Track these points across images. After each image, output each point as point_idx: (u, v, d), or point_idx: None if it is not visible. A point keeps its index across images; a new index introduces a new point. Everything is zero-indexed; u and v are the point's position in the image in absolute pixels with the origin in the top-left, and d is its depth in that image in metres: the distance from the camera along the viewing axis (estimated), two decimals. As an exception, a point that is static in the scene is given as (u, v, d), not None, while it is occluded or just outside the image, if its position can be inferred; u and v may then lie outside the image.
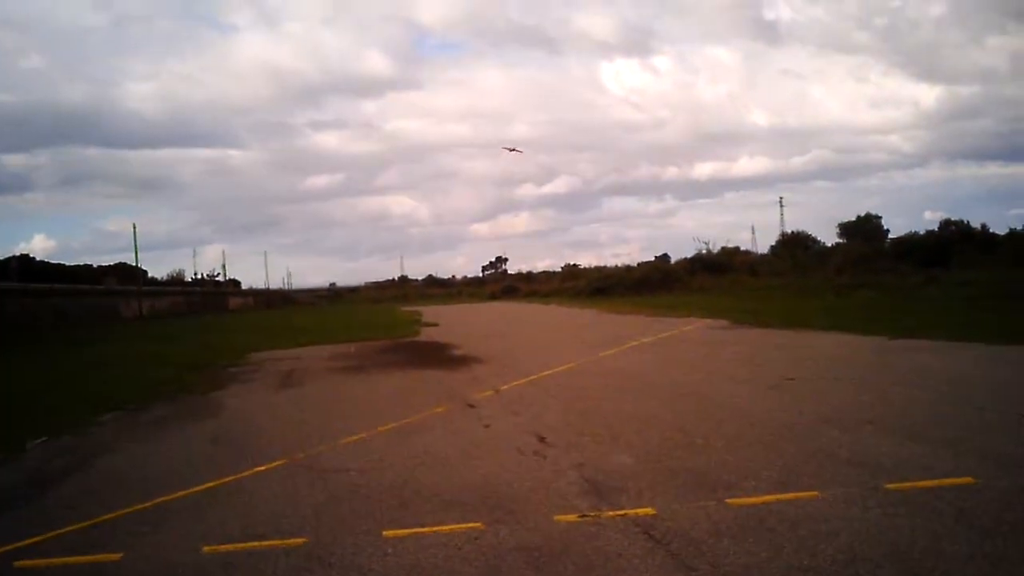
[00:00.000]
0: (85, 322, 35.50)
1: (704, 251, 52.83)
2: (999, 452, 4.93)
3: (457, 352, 14.48)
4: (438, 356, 13.97)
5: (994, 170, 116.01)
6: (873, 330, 13.60)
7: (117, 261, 65.75)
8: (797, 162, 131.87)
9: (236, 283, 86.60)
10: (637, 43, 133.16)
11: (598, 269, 67.26)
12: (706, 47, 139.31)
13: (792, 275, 39.84)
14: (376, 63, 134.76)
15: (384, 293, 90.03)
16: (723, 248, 53.74)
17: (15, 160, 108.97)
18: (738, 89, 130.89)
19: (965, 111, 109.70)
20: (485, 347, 15.16)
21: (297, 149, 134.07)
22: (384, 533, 3.95)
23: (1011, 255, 33.38)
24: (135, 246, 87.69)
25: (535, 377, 9.85)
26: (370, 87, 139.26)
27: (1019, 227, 43.53)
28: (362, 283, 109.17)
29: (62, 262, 59.72)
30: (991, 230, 44.68)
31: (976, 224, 45.55)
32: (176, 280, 73.70)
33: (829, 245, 51.63)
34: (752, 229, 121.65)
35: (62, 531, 4.31)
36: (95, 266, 63.35)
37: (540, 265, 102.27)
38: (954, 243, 41.16)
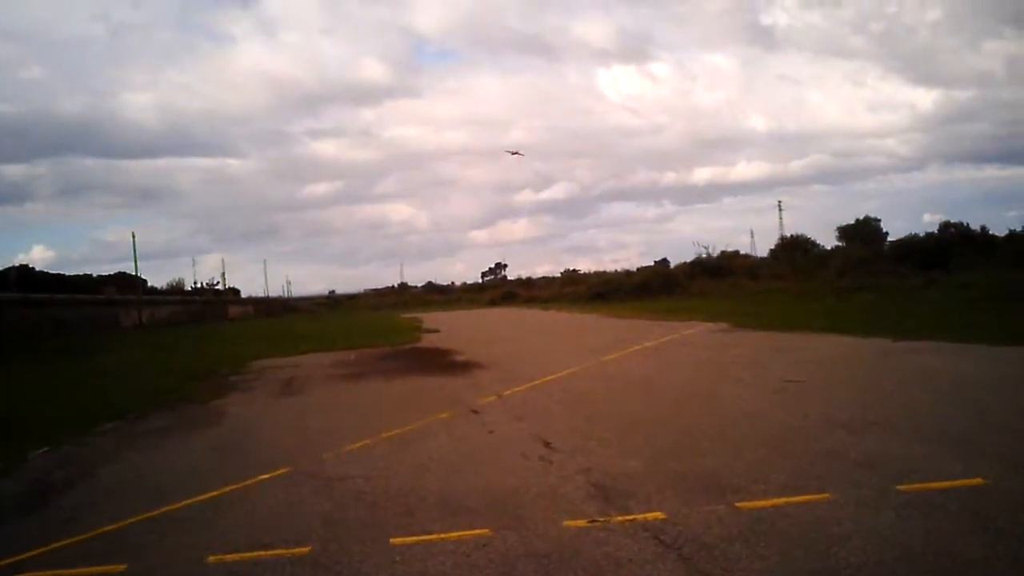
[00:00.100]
0: (85, 332, 35.37)
1: (704, 255, 52.83)
2: (1008, 452, 4.89)
3: (459, 358, 14.44)
4: (440, 362, 13.93)
5: (991, 173, 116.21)
6: (875, 332, 13.56)
7: (116, 271, 65.73)
8: (795, 166, 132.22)
9: (236, 291, 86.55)
10: (634, 50, 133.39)
11: (598, 274, 67.36)
12: (703, 53, 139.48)
13: (792, 278, 39.80)
14: (374, 71, 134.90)
15: (384, 300, 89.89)
16: (723, 252, 53.72)
17: (14, 171, 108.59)
18: (735, 95, 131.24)
19: (962, 115, 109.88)
20: (486, 352, 15.12)
21: (295, 157, 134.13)
22: (391, 541, 3.91)
23: (1011, 256, 33.37)
24: (134, 255, 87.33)
25: (538, 382, 9.81)
26: (368, 95, 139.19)
27: (1018, 228, 43.42)
28: (361, 290, 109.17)
29: (61, 272, 59.73)
30: (990, 232, 44.76)
31: (975, 226, 45.60)
32: (176, 289, 73.53)
33: (828, 248, 51.65)
34: (751, 233, 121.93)
35: (65, 542, 4.26)
36: (94, 276, 63.26)
37: (539, 271, 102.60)
38: (953, 245, 41.13)
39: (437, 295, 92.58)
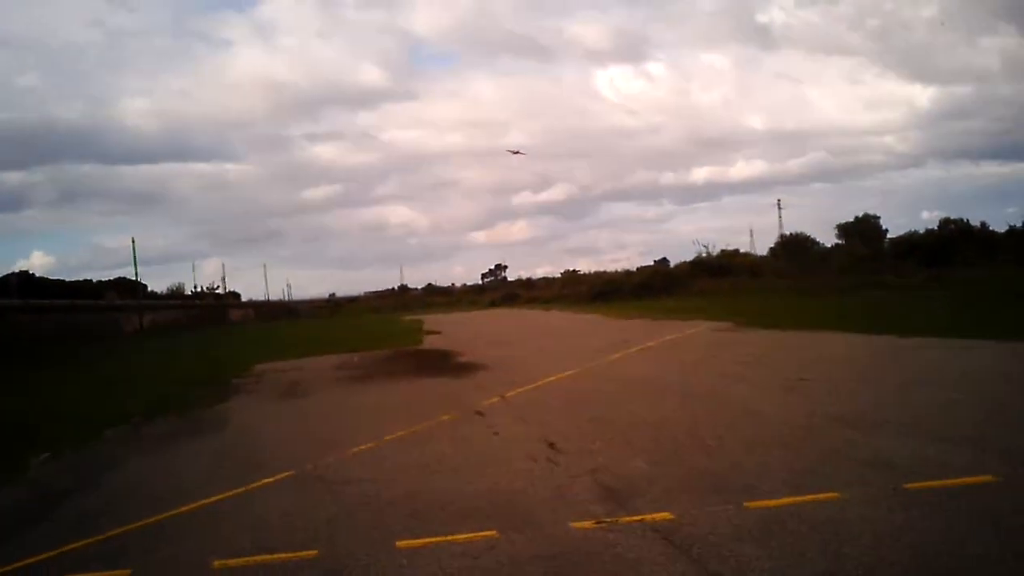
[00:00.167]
0: (86, 337, 35.33)
1: (704, 254, 52.77)
2: (1018, 449, 4.86)
3: (461, 359, 14.40)
4: (443, 364, 13.89)
5: (990, 169, 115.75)
6: (881, 329, 13.52)
7: (117, 276, 65.74)
8: (794, 165, 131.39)
9: (236, 296, 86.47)
10: (630, 50, 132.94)
11: (598, 274, 66.96)
12: (700, 52, 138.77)
13: (794, 276, 39.76)
14: (371, 75, 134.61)
15: (384, 302, 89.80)
16: (723, 251, 53.63)
17: (13, 177, 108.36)
18: (733, 93, 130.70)
19: (959, 111, 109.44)
20: (489, 354, 15.08)
21: (294, 161, 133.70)
22: (397, 544, 3.88)
23: (1013, 252, 33.36)
24: (134, 261, 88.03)
25: (542, 383, 9.77)
26: (366, 99, 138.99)
27: (1018, 224, 43.33)
28: (362, 293, 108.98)
29: (62, 278, 59.75)
30: (990, 228, 44.73)
31: (975, 223, 45.57)
32: (176, 294, 73.50)
33: (828, 246, 51.63)
34: (750, 232, 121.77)
35: (70, 547, 4.24)
36: (95, 281, 63.33)
37: (539, 272, 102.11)
38: (954, 241, 41.13)
39: (437, 297, 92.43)
